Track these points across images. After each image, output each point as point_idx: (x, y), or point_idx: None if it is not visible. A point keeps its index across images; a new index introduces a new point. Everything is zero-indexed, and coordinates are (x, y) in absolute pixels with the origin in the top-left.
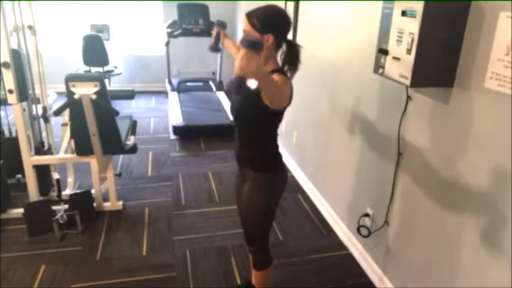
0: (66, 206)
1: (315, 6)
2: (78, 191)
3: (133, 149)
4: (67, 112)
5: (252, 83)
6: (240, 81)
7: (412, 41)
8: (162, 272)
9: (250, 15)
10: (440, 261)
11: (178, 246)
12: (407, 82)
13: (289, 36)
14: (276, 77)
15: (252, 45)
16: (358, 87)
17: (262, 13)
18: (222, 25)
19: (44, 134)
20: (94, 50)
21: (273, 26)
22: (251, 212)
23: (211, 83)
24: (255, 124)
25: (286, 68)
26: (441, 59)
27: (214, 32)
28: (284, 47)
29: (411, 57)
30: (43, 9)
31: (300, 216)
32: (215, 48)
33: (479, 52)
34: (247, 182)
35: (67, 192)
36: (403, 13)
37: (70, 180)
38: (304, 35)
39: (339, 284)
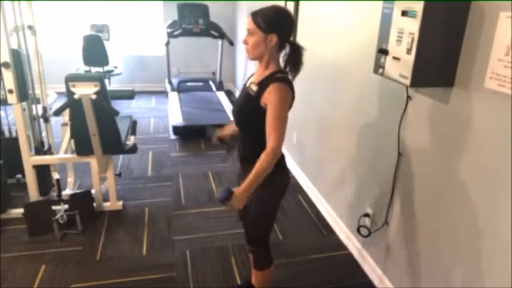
0: (66, 206)
1: (315, 6)
2: (78, 191)
3: (133, 149)
4: (67, 112)
5: (253, 88)
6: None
7: (412, 41)
8: (162, 272)
9: (255, 15)
10: (440, 261)
11: (178, 246)
12: (407, 82)
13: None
14: (272, 91)
15: (224, 199)
16: (358, 87)
17: (268, 13)
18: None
19: (44, 134)
20: (94, 50)
21: (278, 26)
22: (252, 212)
23: (211, 83)
24: (256, 125)
25: (287, 69)
26: (441, 58)
27: (215, 140)
28: (287, 48)
29: (411, 57)
30: (43, 9)
31: (300, 216)
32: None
33: (479, 52)
34: None
35: (67, 192)
36: (403, 13)
37: (70, 180)
38: (304, 35)
39: (339, 284)
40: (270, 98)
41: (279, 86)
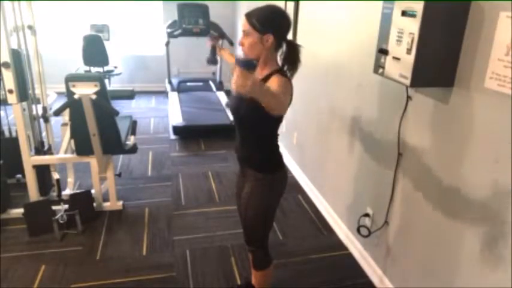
0: (66, 206)
1: (315, 6)
2: (78, 191)
3: (133, 149)
4: (67, 112)
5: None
6: (239, 98)
7: (412, 41)
8: (162, 272)
9: (249, 16)
10: (440, 261)
11: (178, 246)
12: (407, 82)
13: (289, 37)
14: (275, 79)
15: (246, 65)
16: (358, 87)
17: (262, 13)
18: (217, 37)
19: (44, 134)
20: (94, 50)
21: (273, 25)
22: (251, 212)
23: (211, 83)
24: (256, 124)
25: (286, 67)
26: (441, 59)
27: (209, 45)
28: (284, 47)
29: (411, 57)
30: (43, 9)
31: (300, 216)
32: (212, 60)
33: (479, 52)
34: (248, 182)
35: (67, 192)
36: (403, 13)
37: (70, 180)
38: (304, 35)
39: (339, 284)
40: (271, 85)
41: (281, 78)
